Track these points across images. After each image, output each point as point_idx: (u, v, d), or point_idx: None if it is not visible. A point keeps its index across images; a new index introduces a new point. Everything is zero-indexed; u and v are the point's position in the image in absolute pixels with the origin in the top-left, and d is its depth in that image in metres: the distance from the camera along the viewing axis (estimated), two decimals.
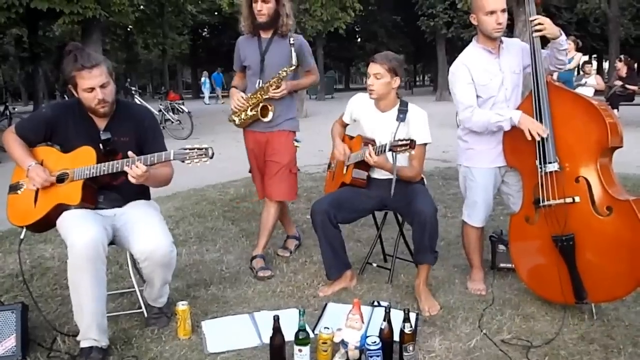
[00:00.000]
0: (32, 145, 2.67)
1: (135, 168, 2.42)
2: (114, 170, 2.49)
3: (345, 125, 3.46)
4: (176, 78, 42.50)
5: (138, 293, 2.85)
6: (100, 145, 2.61)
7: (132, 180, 2.45)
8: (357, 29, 31.76)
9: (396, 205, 3.10)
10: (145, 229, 2.50)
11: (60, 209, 2.53)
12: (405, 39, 31.38)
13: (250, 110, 3.45)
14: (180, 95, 12.13)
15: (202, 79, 26.97)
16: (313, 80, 3.65)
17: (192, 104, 18.51)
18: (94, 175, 2.51)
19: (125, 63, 32.23)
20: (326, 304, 2.98)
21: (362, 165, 3.15)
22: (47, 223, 2.59)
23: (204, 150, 2.43)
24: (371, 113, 3.19)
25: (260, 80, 3.45)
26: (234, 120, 3.56)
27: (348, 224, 3.27)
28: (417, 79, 55.32)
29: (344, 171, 3.32)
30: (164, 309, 2.82)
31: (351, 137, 3.41)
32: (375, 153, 2.88)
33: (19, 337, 2.51)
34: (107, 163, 2.50)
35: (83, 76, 2.45)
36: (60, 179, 2.56)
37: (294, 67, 3.37)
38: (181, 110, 11.69)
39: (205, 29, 37.46)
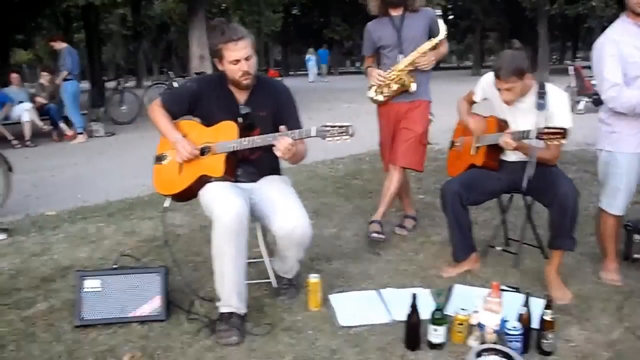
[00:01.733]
0: (175, 118, 2.80)
1: (282, 141, 2.47)
2: (255, 145, 2.56)
3: (472, 103, 3.35)
4: (267, 56, 43.31)
5: (267, 264, 2.94)
6: (240, 119, 2.69)
7: (278, 154, 2.51)
8: (449, 6, 30.73)
9: (532, 188, 2.98)
10: (284, 206, 2.56)
11: (203, 180, 2.64)
12: (502, 16, 29.99)
13: (395, 83, 3.54)
14: (280, 72, 12.34)
15: (307, 56, 26.06)
16: (446, 50, 3.73)
17: (288, 82, 18.56)
18: (237, 149, 2.59)
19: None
20: (452, 285, 2.93)
21: (495, 147, 3.06)
22: (190, 193, 2.72)
23: (345, 128, 2.44)
24: (496, 94, 3.06)
25: (401, 55, 3.53)
26: (377, 99, 3.65)
27: (475, 206, 3.19)
28: None
29: (472, 151, 3.23)
30: (293, 281, 2.90)
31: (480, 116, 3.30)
32: (515, 139, 2.78)
33: (164, 298, 2.68)
34: (249, 138, 2.57)
35: (229, 48, 2.53)
36: (203, 152, 2.67)
37: (443, 37, 3.50)
38: None
39: (296, 7, 37.72)
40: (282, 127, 2.52)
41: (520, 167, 2.96)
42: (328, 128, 2.45)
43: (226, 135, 2.63)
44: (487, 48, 43.73)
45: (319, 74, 26.06)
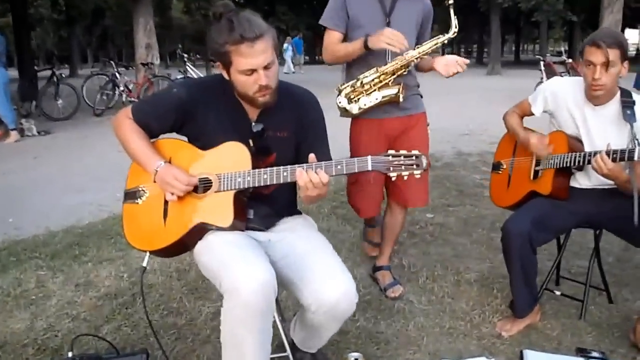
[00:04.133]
0: (153, 136, 1.97)
1: (314, 176, 1.70)
2: (278, 181, 1.77)
3: (524, 116, 2.69)
4: (205, 44, 41.73)
5: (282, 333, 2.16)
6: (250, 141, 1.89)
7: (302, 194, 1.74)
8: None
9: (617, 223, 2.35)
10: (322, 271, 1.78)
11: (200, 229, 1.84)
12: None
13: (380, 90, 2.49)
14: None
15: (285, 45, 23.78)
16: None
17: None
18: (253, 185, 1.79)
19: (159, 28, 31.50)
20: (522, 353, 2.26)
21: (564, 171, 2.44)
22: (180, 248, 1.91)
23: (414, 158, 1.70)
24: (579, 106, 2.41)
25: (389, 52, 2.46)
26: (350, 110, 2.54)
27: (540, 246, 2.54)
28: (454, 50, 53.58)
29: (531, 176, 2.57)
30: (318, 356, 2.15)
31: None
32: (614, 160, 2.14)
33: None
34: (269, 170, 1.78)
35: (242, 52, 1.72)
36: (197, 188, 1.85)
37: (455, 33, 2.55)
38: None
39: None
40: (311, 156, 1.75)
41: (597, 195, 2.43)
42: (391, 159, 1.70)
43: (234, 164, 1.82)
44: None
45: (294, 65, 24.44)
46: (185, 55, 11.85)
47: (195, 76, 11.35)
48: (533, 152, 2.52)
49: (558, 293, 2.75)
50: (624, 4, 10.97)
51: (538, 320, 2.55)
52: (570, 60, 10.20)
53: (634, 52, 36.18)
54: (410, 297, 2.80)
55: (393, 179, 1.72)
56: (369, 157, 1.70)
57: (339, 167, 1.72)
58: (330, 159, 1.99)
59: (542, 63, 10.19)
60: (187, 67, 11.42)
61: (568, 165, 2.38)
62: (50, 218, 4.04)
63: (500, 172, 2.80)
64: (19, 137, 7.92)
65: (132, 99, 10.42)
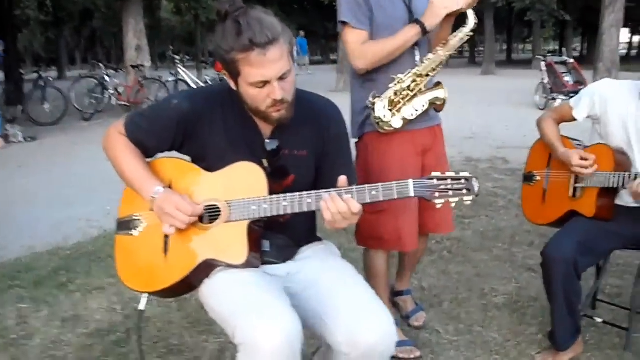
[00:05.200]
0: (149, 155, 1.69)
1: (343, 207, 1.42)
2: (304, 209, 1.49)
3: (561, 122, 2.42)
4: (195, 45, 41.19)
5: None
6: (264, 160, 1.61)
7: (329, 225, 1.47)
8: None
9: None
10: (354, 305, 1.50)
11: (210, 266, 1.55)
12: None
13: (420, 95, 2.08)
14: None
15: None
16: None
17: None
18: (270, 215, 1.51)
19: (148, 29, 31.03)
20: None
21: (609, 190, 2.17)
22: (184, 287, 1.63)
23: (464, 182, 1.43)
24: (634, 113, 2.15)
25: (417, 49, 2.13)
26: (393, 123, 2.08)
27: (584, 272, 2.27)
28: None
29: (570, 193, 2.30)
30: None
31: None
32: None
33: None
34: (290, 196, 1.50)
35: (252, 61, 1.43)
36: (202, 218, 1.57)
37: (475, 24, 2.12)
38: None
39: None
40: (342, 179, 1.47)
41: None
42: (436, 182, 1.43)
43: (247, 188, 1.54)
44: None
45: (298, 66, 23.75)
46: (177, 57, 11.50)
47: (188, 78, 11.03)
48: (576, 172, 2.26)
49: (600, 320, 2.48)
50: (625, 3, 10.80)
51: (581, 352, 2.29)
52: (572, 61, 9.97)
53: (625, 52, 36.29)
54: (435, 325, 2.53)
55: (438, 206, 1.44)
56: (411, 182, 1.43)
57: (374, 192, 1.44)
58: (355, 181, 1.73)
59: (543, 63, 9.96)
60: (179, 68, 11.10)
61: (615, 185, 2.12)
62: (35, 235, 3.72)
63: (532, 184, 2.52)
64: (3, 144, 7.60)
65: (122, 102, 10.11)
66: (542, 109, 9.66)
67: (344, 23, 2.10)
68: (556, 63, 9.88)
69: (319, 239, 1.84)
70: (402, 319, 2.56)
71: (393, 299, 2.66)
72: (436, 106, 2.14)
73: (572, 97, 8.90)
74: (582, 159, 2.18)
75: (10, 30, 14.35)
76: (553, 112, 2.43)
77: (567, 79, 9.48)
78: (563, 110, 2.38)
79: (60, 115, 9.74)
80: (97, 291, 2.85)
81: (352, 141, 2.32)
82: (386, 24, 2.09)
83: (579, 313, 2.21)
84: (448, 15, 2.05)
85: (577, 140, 2.39)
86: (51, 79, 10.52)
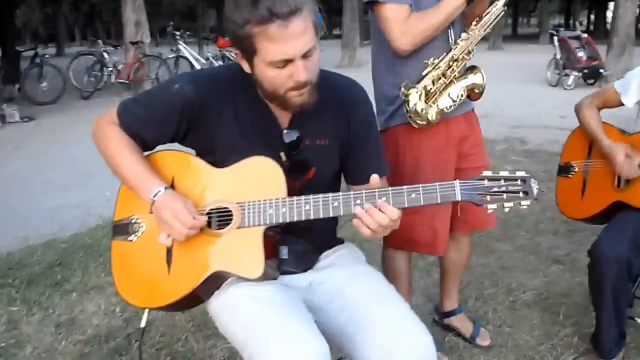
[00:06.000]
0: (148, 148, 1.46)
1: (381, 217, 1.21)
2: (330, 214, 1.28)
3: (602, 108, 2.18)
4: (197, 21, 40.46)
5: None
6: (282, 154, 1.39)
7: (367, 233, 1.25)
8: None
9: None
10: (387, 320, 1.30)
11: (218, 279, 1.35)
12: None
13: (457, 82, 1.82)
14: None
15: None
16: None
17: None
18: (290, 220, 1.30)
19: (148, 4, 30.44)
20: None
21: None
22: (191, 301, 1.42)
23: (519, 183, 1.20)
24: None
25: (451, 28, 1.85)
26: (429, 116, 1.81)
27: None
28: None
29: (615, 183, 2.09)
30: None
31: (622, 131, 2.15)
32: None
33: None
34: (313, 199, 1.28)
35: (271, 35, 1.20)
36: (211, 222, 1.36)
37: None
38: (232, 58, 10.30)
39: None
40: (374, 178, 1.26)
41: None
42: (487, 183, 1.20)
43: (262, 188, 1.33)
44: None
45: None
46: (177, 33, 11.16)
47: (189, 55, 10.71)
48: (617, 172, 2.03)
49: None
50: None
51: (623, 358, 2.09)
52: (586, 35, 9.63)
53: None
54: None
55: (490, 211, 1.22)
56: (457, 183, 1.21)
57: (413, 195, 1.22)
58: (387, 171, 1.51)
59: (555, 38, 9.62)
60: (180, 45, 10.77)
61: None
62: (29, 225, 3.51)
63: (570, 175, 2.30)
64: (0, 124, 7.37)
65: (122, 80, 9.82)
66: (554, 86, 9.39)
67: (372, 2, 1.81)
68: (569, 38, 9.54)
69: (341, 241, 1.63)
70: (465, 341, 2.25)
71: (442, 321, 2.35)
72: (472, 94, 1.87)
73: (586, 73, 8.64)
74: (627, 156, 1.97)
75: (7, 6, 14.01)
76: (595, 98, 2.19)
77: (581, 54, 9.16)
78: (607, 95, 2.15)
79: (59, 94, 9.48)
80: (94, 291, 2.64)
81: None
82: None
83: (626, 317, 2.01)
84: None
85: (622, 130, 2.17)
86: (48, 56, 10.22)
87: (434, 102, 1.81)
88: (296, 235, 1.44)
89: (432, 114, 1.81)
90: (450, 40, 1.84)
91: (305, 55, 1.24)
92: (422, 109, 1.80)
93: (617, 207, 2.06)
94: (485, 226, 2.21)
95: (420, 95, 1.79)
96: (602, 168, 2.14)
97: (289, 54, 1.22)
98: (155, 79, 9.70)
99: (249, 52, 1.26)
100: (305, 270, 1.47)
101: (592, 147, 2.20)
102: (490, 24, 1.85)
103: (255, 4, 1.19)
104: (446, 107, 1.82)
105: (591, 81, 8.95)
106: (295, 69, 1.24)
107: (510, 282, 2.72)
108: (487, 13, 1.84)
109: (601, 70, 8.91)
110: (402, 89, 1.80)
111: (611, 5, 21.48)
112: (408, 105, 1.79)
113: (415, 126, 1.84)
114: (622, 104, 2.10)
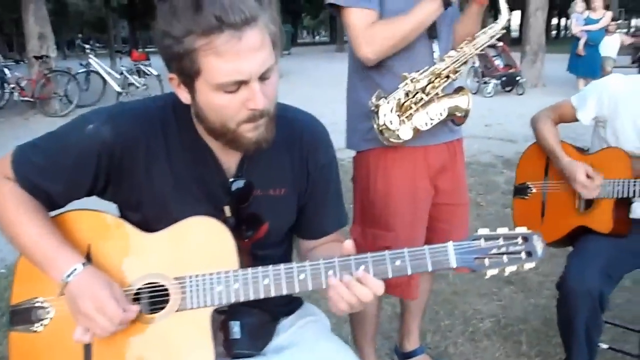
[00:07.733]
0: (55, 206, 1.15)
1: (362, 291, 0.98)
2: (295, 290, 1.03)
3: (559, 123, 2.08)
4: (108, 32, 38.86)
5: None
6: (227, 208, 1.13)
7: (344, 310, 1.02)
8: None
9: None
10: None
11: None
12: None
13: (439, 101, 1.64)
14: (147, 54, 10.11)
15: None
16: None
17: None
18: (245, 299, 1.04)
19: (53, 15, 28.75)
20: None
21: (623, 202, 1.87)
22: None
23: (522, 242, 1.02)
24: None
25: (435, 41, 1.68)
26: (401, 134, 1.62)
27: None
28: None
29: (577, 205, 1.98)
30: None
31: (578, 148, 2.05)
32: None
33: None
34: (273, 270, 1.04)
35: (221, 49, 0.94)
36: (140, 302, 1.08)
37: (509, 20, 1.75)
38: (148, 73, 9.75)
39: None
40: (347, 245, 1.03)
41: None
42: (485, 244, 1.01)
43: (205, 257, 1.07)
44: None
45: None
46: (87, 46, 10.45)
47: (100, 69, 10.03)
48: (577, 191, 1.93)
49: (605, 347, 2.19)
50: None
51: None
52: (501, 44, 9.85)
53: (517, 35, 37.70)
54: None
55: (488, 276, 1.03)
56: (450, 244, 1.00)
57: (397, 263, 1.00)
58: (345, 224, 1.29)
59: None
60: (90, 58, 10.06)
61: (635, 195, 1.82)
62: None
63: (527, 197, 2.18)
64: None
65: (26, 98, 9.05)
66: (474, 94, 9.61)
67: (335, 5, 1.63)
68: (487, 46, 9.80)
69: (300, 302, 1.38)
70: None
71: None
72: (455, 117, 1.70)
73: (504, 80, 8.87)
74: (588, 176, 1.87)
75: None
76: (550, 111, 2.08)
77: (498, 62, 9.45)
78: (563, 109, 2.04)
79: None
80: None
81: (347, 152, 1.89)
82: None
83: (596, 347, 1.90)
84: (477, 4, 1.68)
85: (580, 148, 2.07)
86: None
87: (408, 118, 1.62)
88: (249, 304, 1.17)
89: (404, 131, 1.62)
90: (435, 55, 1.67)
91: (262, 77, 0.99)
92: (392, 122, 1.61)
93: (580, 230, 1.96)
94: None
95: (391, 108, 1.61)
96: (562, 190, 2.03)
97: (243, 73, 0.97)
98: (64, 95, 9.01)
99: (190, 74, 0.99)
100: (261, 349, 1.21)
101: (549, 166, 2.09)
102: (484, 44, 1.69)
103: (198, 10, 0.93)
104: (423, 125, 1.63)
105: (508, 88, 9.26)
106: (251, 94, 0.99)
107: (466, 310, 2.59)
108: (483, 33, 1.68)
109: (518, 78, 9.23)
110: (373, 100, 1.61)
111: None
112: (377, 118, 1.60)
113: (387, 144, 1.64)
114: (578, 120, 2.00)
